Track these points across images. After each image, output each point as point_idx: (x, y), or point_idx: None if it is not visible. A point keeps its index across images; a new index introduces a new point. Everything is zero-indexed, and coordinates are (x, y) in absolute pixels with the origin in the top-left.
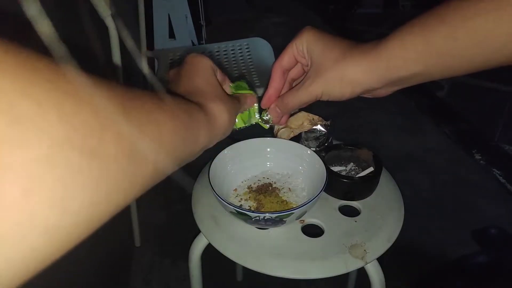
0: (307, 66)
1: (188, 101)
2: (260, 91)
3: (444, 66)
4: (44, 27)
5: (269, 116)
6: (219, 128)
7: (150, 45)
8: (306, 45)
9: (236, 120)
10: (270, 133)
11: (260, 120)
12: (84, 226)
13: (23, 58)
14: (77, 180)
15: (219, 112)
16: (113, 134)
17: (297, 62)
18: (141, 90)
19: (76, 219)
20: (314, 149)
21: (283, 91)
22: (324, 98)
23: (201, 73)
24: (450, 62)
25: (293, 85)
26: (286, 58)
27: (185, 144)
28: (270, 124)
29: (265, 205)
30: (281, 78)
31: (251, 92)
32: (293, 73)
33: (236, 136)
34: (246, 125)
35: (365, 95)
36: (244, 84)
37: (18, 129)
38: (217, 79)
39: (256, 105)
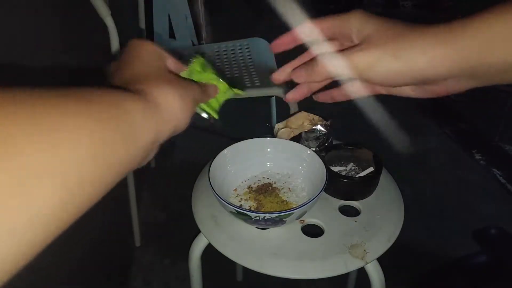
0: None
1: (116, 92)
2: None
3: None
4: None
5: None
6: (169, 116)
7: None
8: (358, 24)
9: (205, 109)
10: (270, 133)
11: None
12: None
13: None
14: None
15: (166, 98)
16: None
17: (330, 38)
18: (47, 94)
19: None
20: (314, 149)
21: (295, 62)
22: (362, 78)
23: (143, 57)
24: None
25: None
26: (326, 25)
27: (115, 148)
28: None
29: (265, 205)
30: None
31: (213, 79)
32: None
33: (237, 136)
34: (219, 107)
35: (387, 92)
36: (198, 67)
37: None
38: (165, 64)
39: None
